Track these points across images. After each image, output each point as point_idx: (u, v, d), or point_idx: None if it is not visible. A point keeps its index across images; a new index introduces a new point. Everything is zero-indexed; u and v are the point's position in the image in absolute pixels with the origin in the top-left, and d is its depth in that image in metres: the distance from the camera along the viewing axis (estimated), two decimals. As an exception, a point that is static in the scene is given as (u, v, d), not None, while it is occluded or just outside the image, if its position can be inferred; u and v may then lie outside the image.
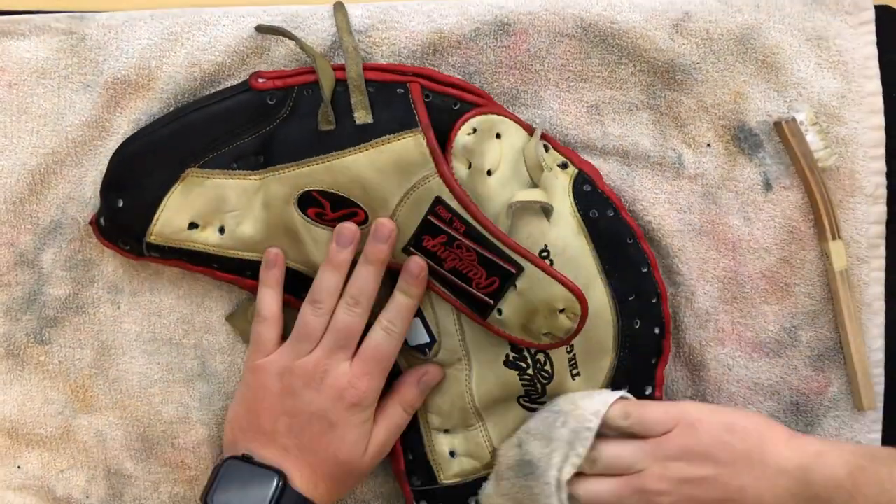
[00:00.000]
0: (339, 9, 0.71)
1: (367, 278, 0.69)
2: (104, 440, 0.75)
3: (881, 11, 0.75)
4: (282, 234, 0.70)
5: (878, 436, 0.77)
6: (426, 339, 0.71)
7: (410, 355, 0.72)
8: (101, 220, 0.70)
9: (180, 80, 0.71)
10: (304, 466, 0.68)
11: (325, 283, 0.69)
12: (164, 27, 0.72)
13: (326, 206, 0.69)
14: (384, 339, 0.69)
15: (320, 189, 0.68)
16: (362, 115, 0.68)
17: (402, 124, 0.68)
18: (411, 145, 0.68)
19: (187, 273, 0.73)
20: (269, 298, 0.70)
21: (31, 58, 0.72)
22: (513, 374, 0.71)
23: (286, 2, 0.73)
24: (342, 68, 0.69)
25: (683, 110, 0.74)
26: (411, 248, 0.69)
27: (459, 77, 0.72)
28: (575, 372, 0.71)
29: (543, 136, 0.72)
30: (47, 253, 0.73)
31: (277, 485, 0.66)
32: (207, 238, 0.70)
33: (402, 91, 0.69)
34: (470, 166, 0.69)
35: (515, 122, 0.71)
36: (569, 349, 0.71)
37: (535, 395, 0.72)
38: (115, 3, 0.74)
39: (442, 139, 0.68)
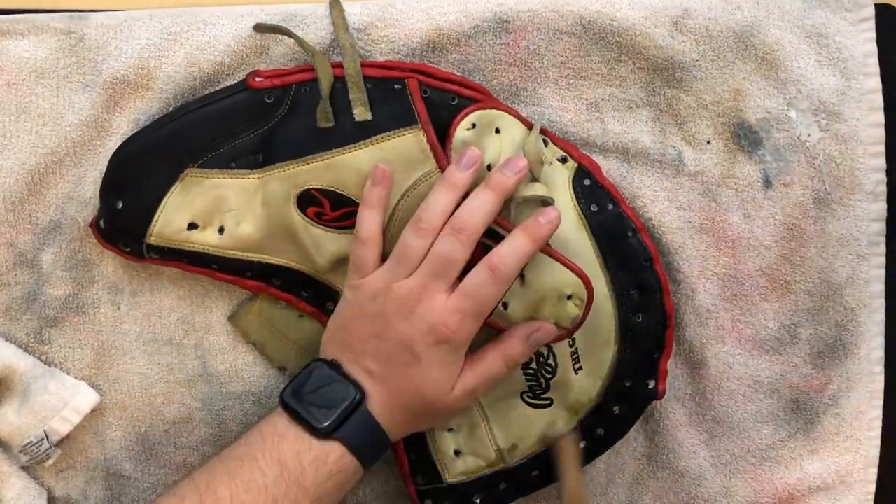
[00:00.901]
0: (336, 5, 0.71)
1: (480, 206, 0.63)
2: (103, 441, 0.75)
3: (881, 10, 0.75)
4: (282, 233, 0.69)
5: (878, 433, 0.77)
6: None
7: None
8: (101, 223, 0.70)
9: (179, 79, 0.71)
10: (384, 392, 0.65)
11: (435, 202, 0.64)
12: (163, 27, 0.71)
13: (326, 205, 0.68)
14: (487, 280, 0.63)
15: (319, 187, 0.68)
16: (361, 112, 0.68)
17: (402, 121, 0.68)
18: (412, 142, 0.68)
19: (187, 273, 0.73)
20: (370, 219, 0.66)
21: (29, 57, 0.71)
22: (517, 370, 0.71)
23: (285, 1, 0.73)
24: (340, 66, 0.69)
25: (683, 108, 0.74)
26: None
27: (458, 74, 0.72)
28: (577, 366, 0.71)
29: (542, 131, 0.72)
30: (47, 253, 0.73)
31: (353, 399, 0.64)
32: (207, 238, 0.69)
33: (400, 87, 0.68)
34: None
35: (514, 116, 0.70)
36: (571, 342, 0.71)
37: (538, 390, 0.72)
38: (114, 3, 0.74)
39: (440, 134, 0.68)
